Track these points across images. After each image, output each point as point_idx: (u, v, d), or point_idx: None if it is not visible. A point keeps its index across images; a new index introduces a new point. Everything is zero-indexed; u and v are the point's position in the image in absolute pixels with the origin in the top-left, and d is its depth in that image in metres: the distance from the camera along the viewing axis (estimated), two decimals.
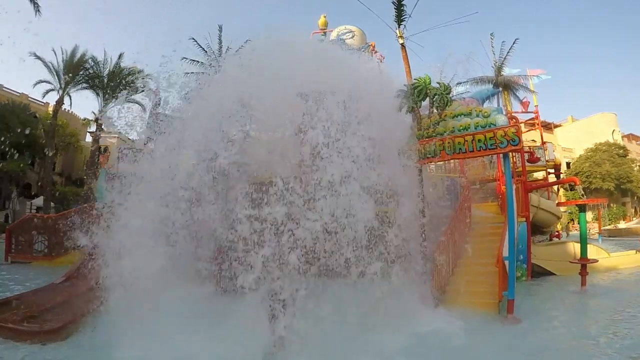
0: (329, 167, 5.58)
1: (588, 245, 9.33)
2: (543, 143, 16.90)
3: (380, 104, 7.31)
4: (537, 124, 19.16)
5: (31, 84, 29.74)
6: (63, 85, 28.61)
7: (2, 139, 24.69)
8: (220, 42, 27.30)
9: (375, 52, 12.78)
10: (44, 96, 30.17)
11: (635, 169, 45.12)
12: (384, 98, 7.49)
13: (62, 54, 28.47)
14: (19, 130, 24.85)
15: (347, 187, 5.50)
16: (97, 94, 30.34)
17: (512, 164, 10.40)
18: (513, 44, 25.51)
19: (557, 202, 15.61)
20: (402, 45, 16.32)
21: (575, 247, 10.83)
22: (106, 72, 29.99)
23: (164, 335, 4.69)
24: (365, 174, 5.83)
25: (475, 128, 6.59)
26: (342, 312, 5.12)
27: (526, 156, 12.90)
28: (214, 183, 6.34)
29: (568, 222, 34.31)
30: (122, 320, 4.89)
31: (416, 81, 7.39)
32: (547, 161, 16.20)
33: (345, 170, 5.62)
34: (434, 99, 7.12)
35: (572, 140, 51.00)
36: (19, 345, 5.02)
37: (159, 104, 10.71)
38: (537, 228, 12.36)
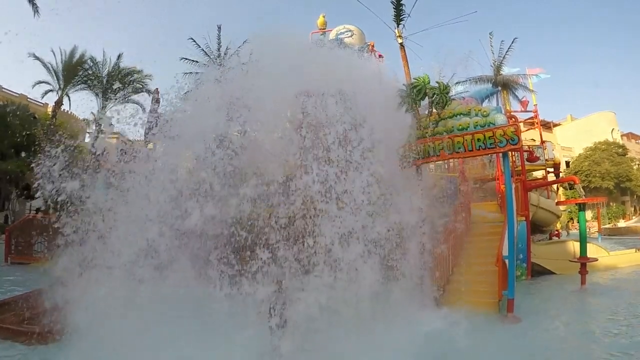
0: (325, 226, 4.88)
1: (588, 244, 9.34)
2: (542, 142, 16.90)
3: (380, 111, 6.80)
4: (537, 123, 19.19)
5: (30, 84, 29.72)
6: (62, 86, 28.60)
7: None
8: (219, 43, 27.33)
9: (374, 51, 12.78)
10: (43, 97, 30.18)
11: (634, 167, 45.14)
12: (385, 107, 7.07)
13: (61, 54, 28.49)
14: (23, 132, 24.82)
15: (348, 251, 4.90)
16: (97, 95, 30.35)
17: (511, 163, 10.40)
18: (512, 43, 25.58)
19: (556, 201, 15.62)
20: (401, 44, 16.31)
21: (574, 246, 10.83)
22: (105, 72, 29.99)
23: (162, 336, 4.68)
24: (371, 227, 5.24)
25: (475, 127, 6.59)
26: (341, 312, 5.10)
27: (525, 155, 12.90)
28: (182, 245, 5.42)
29: (568, 221, 34.34)
30: (120, 320, 4.87)
31: (415, 81, 7.39)
32: (546, 160, 16.20)
33: (346, 227, 4.96)
34: (433, 99, 7.11)
35: (571, 139, 51.02)
36: (18, 346, 5.03)
37: (159, 105, 10.65)
38: (536, 227, 12.37)
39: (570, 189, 34.62)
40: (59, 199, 5.29)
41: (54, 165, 5.34)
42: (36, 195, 5.41)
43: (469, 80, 25.20)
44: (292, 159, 5.55)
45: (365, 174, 5.48)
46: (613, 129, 51.10)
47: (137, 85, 31.26)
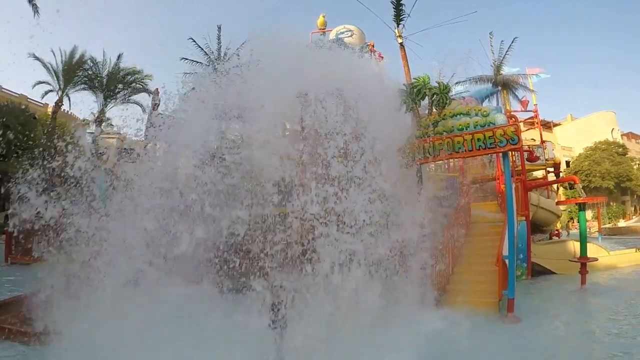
0: (325, 251, 4.70)
1: (588, 244, 9.33)
2: (542, 142, 16.89)
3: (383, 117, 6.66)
4: (537, 123, 19.17)
5: (30, 85, 29.77)
6: (62, 86, 28.60)
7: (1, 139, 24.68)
8: (219, 43, 27.34)
9: (374, 51, 12.77)
10: (43, 97, 30.21)
11: (634, 167, 45.14)
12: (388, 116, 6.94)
13: (61, 54, 28.49)
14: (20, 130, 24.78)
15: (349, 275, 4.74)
16: (97, 95, 30.37)
17: (511, 163, 10.39)
18: (512, 42, 25.55)
19: (556, 200, 15.61)
20: (401, 44, 16.28)
21: (575, 246, 10.82)
22: (105, 72, 30.00)
23: (162, 336, 4.67)
24: (372, 248, 5.09)
25: (475, 127, 6.58)
26: (341, 312, 5.09)
27: (525, 155, 12.89)
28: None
29: (568, 221, 34.30)
30: (119, 320, 4.86)
31: (415, 81, 7.39)
32: (546, 160, 16.19)
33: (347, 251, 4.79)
34: (433, 99, 7.11)
35: (571, 139, 51.00)
36: (17, 346, 5.03)
37: (159, 105, 10.63)
38: (536, 227, 12.36)
39: (570, 188, 34.62)
40: (37, 225, 5.15)
41: (29, 191, 5.16)
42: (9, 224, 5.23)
43: (469, 80, 25.16)
44: (288, 175, 5.30)
45: (367, 190, 5.30)
46: (613, 129, 51.08)
47: (137, 85, 31.30)
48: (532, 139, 18.45)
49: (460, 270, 7.60)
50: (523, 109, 19.63)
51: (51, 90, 28.98)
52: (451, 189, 9.92)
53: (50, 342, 5.01)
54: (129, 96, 31.49)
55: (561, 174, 20.03)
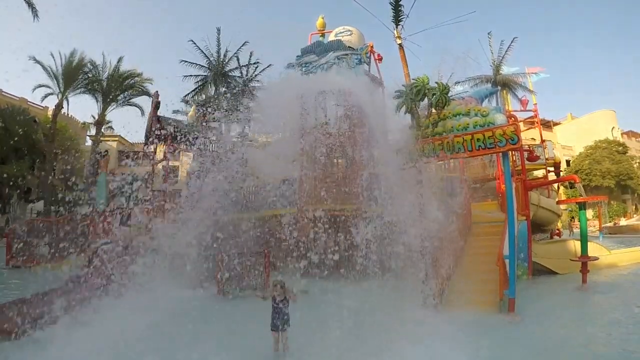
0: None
1: (588, 243, 9.32)
2: (542, 141, 16.91)
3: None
4: (536, 122, 19.18)
5: (30, 88, 29.86)
6: (62, 89, 28.65)
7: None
8: (218, 44, 27.42)
9: (374, 52, 12.78)
10: (42, 100, 30.26)
11: (635, 165, 45.09)
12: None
13: (61, 58, 28.54)
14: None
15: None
16: (96, 98, 30.40)
17: (511, 163, 10.39)
18: (511, 42, 25.61)
19: (557, 200, 15.60)
20: (400, 45, 16.33)
21: (575, 245, 10.81)
22: (105, 75, 30.04)
23: (162, 337, 4.67)
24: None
25: (474, 127, 6.59)
26: (340, 313, 5.09)
27: (525, 154, 12.89)
28: None
29: (570, 220, 34.24)
30: (119, 320, 4.87)
31: (414, 81, 7.39)
32: (546, 159, 16.21)
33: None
34: (432, 99, 7.11)
35: (571, 138, 50.96)
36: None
37: (159, 107, 10.63)
38: (537, 226, 12.35)
39: (570, 188, 34.60)
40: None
41: None
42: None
43: (469, 80, 25.20)
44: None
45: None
46: (613, 128, 51.05)
47: (137, 88, 31.36)
48: (532, 139, 18.47)
49: (461, 270, 7.60)
50: (523, 109, 19.63)
51: (51, 94, 29.06)
52: (451, 189, 9.93)
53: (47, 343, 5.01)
54: (129, 99, 31.56)
55: (561, 173, 20.02)
